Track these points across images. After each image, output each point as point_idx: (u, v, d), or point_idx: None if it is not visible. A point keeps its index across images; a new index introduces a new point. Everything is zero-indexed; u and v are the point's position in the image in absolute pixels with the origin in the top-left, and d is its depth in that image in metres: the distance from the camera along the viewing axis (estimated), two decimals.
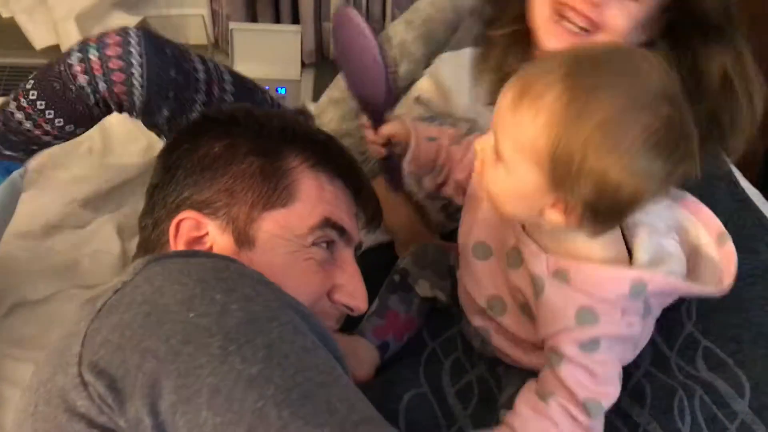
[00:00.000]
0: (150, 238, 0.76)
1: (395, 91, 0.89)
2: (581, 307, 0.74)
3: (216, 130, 0.76)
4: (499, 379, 0.93)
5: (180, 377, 0.51)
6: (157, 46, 1.01)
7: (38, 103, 1.01)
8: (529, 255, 0.78)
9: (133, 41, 0.99)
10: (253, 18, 1.99)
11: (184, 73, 1.02)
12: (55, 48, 1.84)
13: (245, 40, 1.97)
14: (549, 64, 0.70)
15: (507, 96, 0.71)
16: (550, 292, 0.76)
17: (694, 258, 0.82)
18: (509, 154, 0.71)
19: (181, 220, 0.72)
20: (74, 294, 1.05)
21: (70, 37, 1.77)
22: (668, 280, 0.76)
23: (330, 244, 0.76)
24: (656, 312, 0.84)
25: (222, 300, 0.55)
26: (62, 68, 1.00)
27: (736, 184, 1.20)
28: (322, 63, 2.04)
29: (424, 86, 1.17)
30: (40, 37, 1.85)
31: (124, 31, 1.00)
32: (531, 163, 0.69)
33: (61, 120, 1.02)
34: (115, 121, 1.30)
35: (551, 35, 0.96)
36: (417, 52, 1.20)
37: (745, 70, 0.99)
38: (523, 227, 0.80)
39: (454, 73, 1.13)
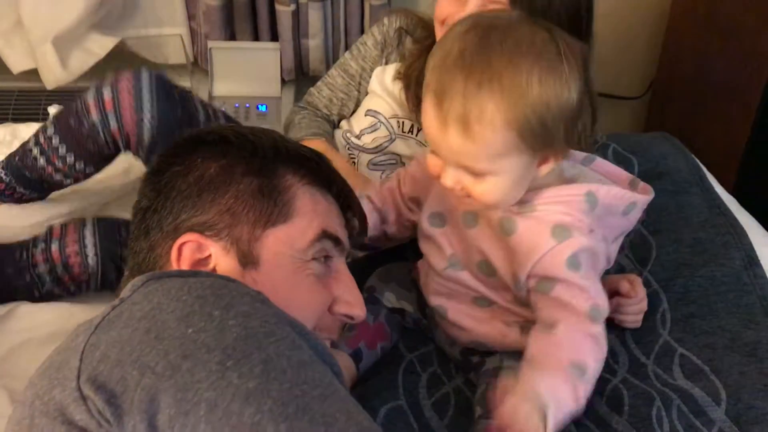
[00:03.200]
0: (145, 261, 0.75)
1: None
2: (554, 225, 0.81)
3: (209, 151, 0.76)
4: (474, 389, 0.93)
5: (178, 392, 0.52)
6: (167, 88, 1.06)
7: (53, 138, 1.07)
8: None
9: (144, 81, 1.04)
10: (231, 36, 1.99)
11: (188, 114, 1.07)
12: (33, 72, 1.83)
13: (224, 58, 1.97)
14: (455, 87, 0.75)
15: (452, 137, 0.76)
16: (522, 225, 0.82)
17: None
18: (487, 166, 0.77)
19: (183, 243, 0.72)
20: None
21: (47, 61, 1.77)
22: (610, 188, 0.85)
23: (327, 258, 0.77)
24: (609, 236, 0.88)
25: (220, 316, 0.56)
26: (79, 105, 1.05)
27: (710, 190, 1.21)
28: (302, 79, 2.04)
29: (369, 102, 1.28)
30: (17, 61, 1.84)
31: (136, 72, 1.06)
32: (514, 154, 0.77)
33: (72, 156, 1.07)
34: None
35: None
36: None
37: None
38: None
39: (386, 85, 1.24)
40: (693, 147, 1.37)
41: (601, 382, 0.93)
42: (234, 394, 0.52)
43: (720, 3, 1.78)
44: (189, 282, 0.59)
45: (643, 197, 0.88)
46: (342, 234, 0.79)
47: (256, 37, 2.00)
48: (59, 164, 1.08)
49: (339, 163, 1.21)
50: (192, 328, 0.55)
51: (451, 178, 0.80)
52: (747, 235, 1.11)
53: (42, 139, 1.08)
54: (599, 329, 0.82)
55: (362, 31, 1.97)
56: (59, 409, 0.55)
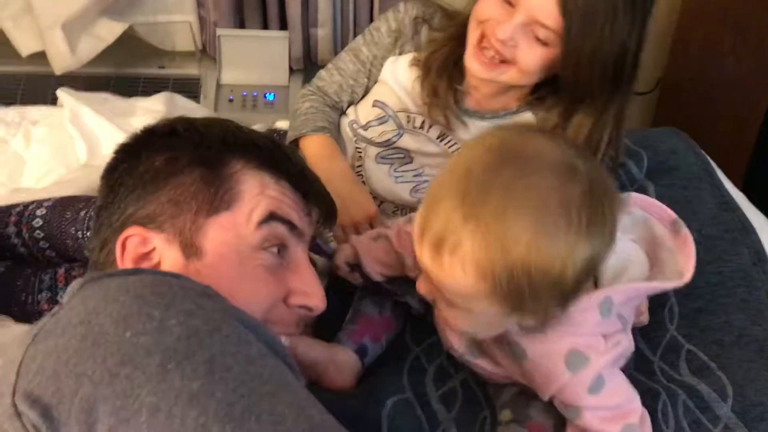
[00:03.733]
0: (98, 260, 0.74)
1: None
2: (567, 352, 0.75)
3: (156, 144, 0.75)
4: (482, 383, 0.92)
5: (117, 399, 0.49)
6: None
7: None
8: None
9: None
10: (240, 24, 1.99)
11: None
12: (41, 54, 1.83)
13: (233, 46, 1.96)
14: (444, 205, 0.68)
15: (425, 253, 0.70)
16: (532, 351, 0.77)
17: (653, 250, 0.83)
18: (459, 301, 0.71)
19: (126, 238, 0.71)
20: None
21: (56, 45, 1.76)
22: (629, 286, 0.77)
23: (281, 249, 0.75)
24: (631, 318, 0.84)
25: (160, 316, 0.53)
26: None
27: (720, 186, 1.20)
28: (310, 69, 2.03)
29: (378, 91, 1.25)
30: (26, 44, 1.84)
31: None
32: (484, 302, 0.69)
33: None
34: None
35: (474, 59, 1.09)
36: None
37: (581, 132, 1.11)
38: None
39: (398, 77, 1.22)
40: (702, 143, 1.36)
41: None
42: (177, 396, 0.49)
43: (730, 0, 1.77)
44: (128, 281, 0.56)
45: (666, 285, 0.79)
46: (298, 219, 0.76)
47: (265, 26, 2.00)
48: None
49: (340, 166, 1.20)
50: (130, 331, 0.52)
51: (424, 285, 0.75)
52: (756, 232, 1.10)
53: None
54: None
55: (371, 21, 1.96)
56: None
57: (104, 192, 0.75)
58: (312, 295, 0.76)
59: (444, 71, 1.16)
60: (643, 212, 0.83)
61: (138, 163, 0.74)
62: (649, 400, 0.89)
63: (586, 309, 0.74)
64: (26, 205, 1.06)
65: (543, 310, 0.70)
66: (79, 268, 1.04)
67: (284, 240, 0.75)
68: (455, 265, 0.67)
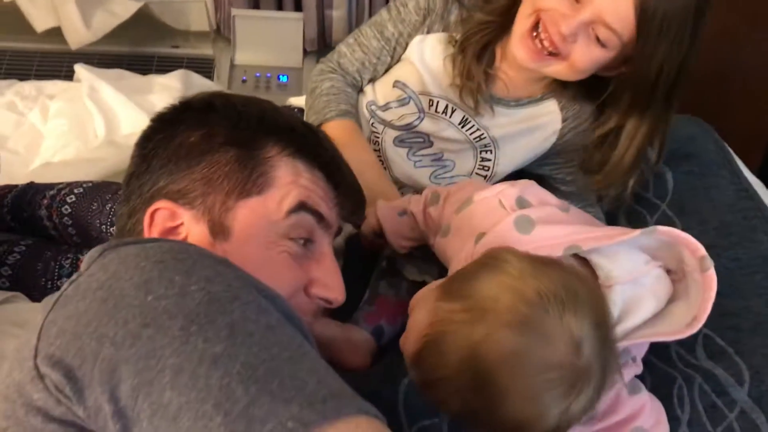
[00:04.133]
0: (125, 227, 0.74)
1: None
2: None
3: (193, 119, 0.74)
4: None
5: (140, 360, 0.49)
6: None
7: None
8: None
9: None
10: (255, 5, 1.98)
11: None
12: (56, 30, 1.83)
13: (247, 26, 1.96)
14: (449, 372, 0.67)
15: (410, 347, 0.72)
16: None
17: (682, 273, 0.80)
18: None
19: (155, 210, 0.71)
20: None
21: (71, 20, 1.76)
22: (623, 344, 0.75)
23: (307, 242, 0.75)
24: (642, 349, 0.83)
25: (181, 282, 0.53)
26: None
27: (738, 173, 1.20)
28: (325, 51, 2.02)
29: (400, 71, 1.21)
30: (40, 19, 1.84)
31: None
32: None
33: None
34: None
35: (523, 46, 1.06)
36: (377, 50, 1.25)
37: (636, 137, 1.11)
38: None
39: (425, 56, 1.18)
40: (718, 131, 1.36)
41: None
42: (200, 358, 0.49)
43: None
44: (147, 248, 0.57)
45: (669, 335, 0.76)
46: (327, 211, 0.76)
47: (279, 7, 1.99)
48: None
49: (370, 157, 1.17)
50: (152, 295, 0.52)
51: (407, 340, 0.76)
52: None
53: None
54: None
55: (387, 2, 1.95)
56: (18, 391, 0.53)
57: (137, 160, 0.75)
58: (333, 288, 0.77)
59: (482, 54, 1.14)
60: (670, 240, 0.79)
61: (173, 136, 0.74)
62: (664, 385, 0.90)
63: None
64: (60, 189, 1.08)
65: None
66: None
67: (312, 230, 0.75)
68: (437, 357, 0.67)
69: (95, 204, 1.05)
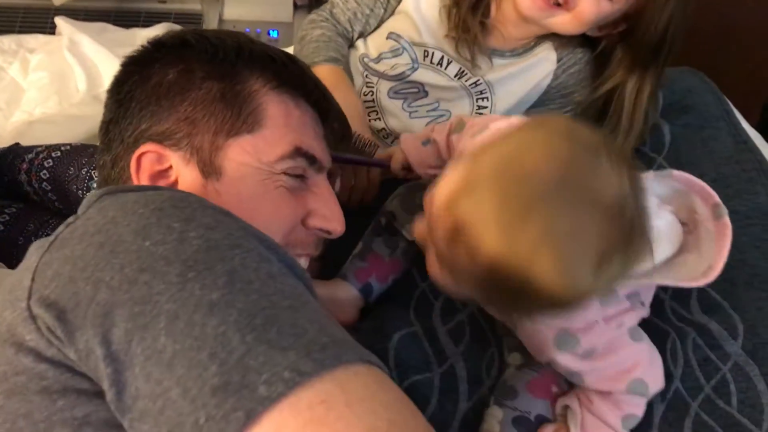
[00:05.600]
0: (110, 176, 0.72)
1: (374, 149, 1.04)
2: (556, 334, 0.74)
3: (167, 56, 0.72)
4: (490, 319, 0.91)
5: (136, 305, 0.48)
6: None
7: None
8: None
9: None
10: None
11: None
12: None
13: None
14: (479, 198, 0.60)
15: (440, 229, 0.64)
16: (521, 329, 0.78)
17: (693, 224, 0.79)
18: (450, 273, 0.67)
19: (142, 154, 0.69)
20: None
21: None
22: (637, 282, 0.73)
23: (301, 177, 0.73)
24: (649, 294, 0.82)
25: (180, 228, 0.52)
26: None
27: (737, 125, 1.18)
28: (315, 4, 1.97)
29: (394, 23, 1.20)
30: None
31: None
32: (472, 288, 0.65)
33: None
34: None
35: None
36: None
37: (640, 96, 1.12)
38: None
39: (420, 5, 1.17)
40: (718, 84, 1.33)
41: None
42: (196, 305, 0.48)
43: None
44: (146, 195, 0.55)
45: (695, 282, 0.73)
46: (318, 149, 0.75)
47: None
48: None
49: (350, 99, 1.15)
50: (149, 240, 0.51)
51: (420, 232, 0.71)
52: None
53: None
54: (647, 397, 0.78)
55: None
56: (9, 331, 0.52)
57: (112, 106, 0.73)
58: (331, 219, 0.75)
59: (477, 5, 1.12)
60: (683, 187, 0.78)
61: (149, 76, 0.71)
62: (658, 341, 0.88)
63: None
64: (38, 153, 1.06)
65: (527, 313, 0.71)
66: None
67: (305, 171, 0.74)
68: (465, 254, 0.61)
69: (71, 168, 1.03)
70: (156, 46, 0.74)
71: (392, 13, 1.21)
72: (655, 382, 0.79)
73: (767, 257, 0.95)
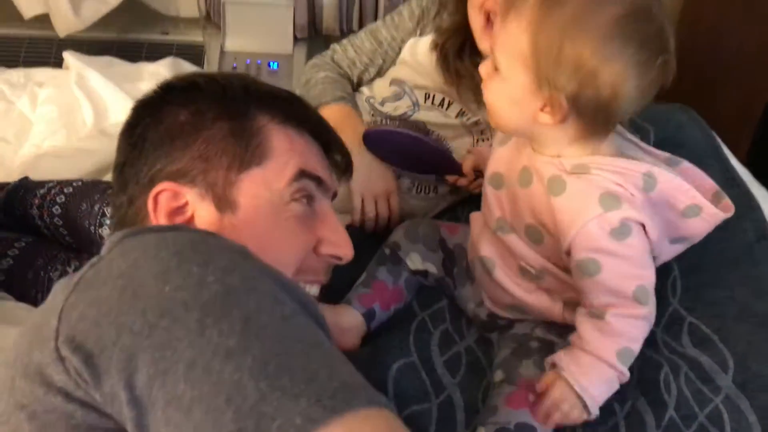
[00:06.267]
0: (126, 215, 0.74)
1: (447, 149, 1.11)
2: (604, 191, 0.78)
3: (178, 99, 0.75)
4: (486, 351, 0.94)
5: (156, 350, 0.50)
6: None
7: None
8: (542, 165, 0.82)
9: None
10: None
11: None
12: (45, 16, 1.81)
13: (238, 13, 1.94)
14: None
15: (499, 14, 0.79)
16: (572, 186, 0.80)
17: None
18: (503, 63, 0.79)
19: (158, 193, 0.71)
20: None
21: (60, 7, 1.75)
22: (675, 179, 0.80)
23: (309, 199, 0.76)
24: (667, 233, 0.85)
25: (198, 273, 0.54)
26: None
27: (725, 161, 1.21)
28: (315, 37, 2.02)
29: (396, 71, 1.26)
30: (29, 6, 1.82)
31: None
32: (519, 66, 0.77)
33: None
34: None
35: (485, 41, 1.10)
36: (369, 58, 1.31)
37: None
38: (533, 149, 0.84)
39: (417, 55, 1.23)
40: (709, 117, 1.37)
41: None
42: (214, 351, 0.50)
43: None
44: (167, 237, 0.57)
45: (710, 207, 0.82)
46: (324, 173, 0.78)
47: None
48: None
49: (360, 130, 1.18)
50: (169, 285, 0.53)
51: (484, 65, 0.82)
52: (760, 208, 1.11)
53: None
54: (648, 309, 0.80)
55: (376, 9, 1.95)
56: (38, 371, 0.53)
57: (126, 149, 0.75)
58: (341, 245, 0.78)
59: (462, 53, 1.16)
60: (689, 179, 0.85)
61: (161, 118, 0.74)
62: (651, 371, 0.91)
63: (632, 168, 0.79)
64: (50, 188, 1.08)
65: (560, 100, 0.75)
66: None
67: (313, 193, 0.77)
68: (515, 20, 0.76)
69: (84, 204, 1.05)
70: (166, 89, 0.77)
71: (393, 63, 1.27)
72: (652, 297, 0.82)
73: (755, 293, 0.97)
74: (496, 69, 0.80)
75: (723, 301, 0.98)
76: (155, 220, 0.71)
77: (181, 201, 0.71)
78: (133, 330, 0.51)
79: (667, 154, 0.86)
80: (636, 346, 0.81)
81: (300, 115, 0.78)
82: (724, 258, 1.03)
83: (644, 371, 0.91)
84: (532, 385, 0.84)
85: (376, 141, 1.10)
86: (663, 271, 1.01)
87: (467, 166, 1.05)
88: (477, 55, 1.17)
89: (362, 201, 1.14)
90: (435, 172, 1.13)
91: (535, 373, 0.85)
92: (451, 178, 1.11)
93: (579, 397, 0.80)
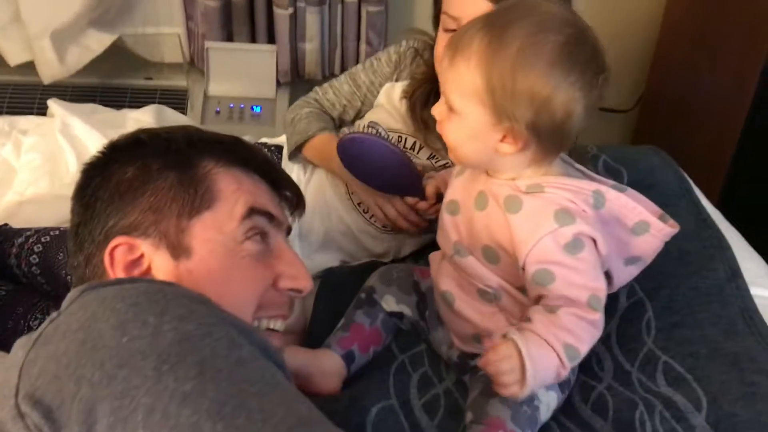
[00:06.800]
0: (84, 275, 0.76)
1: (416, 168, 1.10)
2: (559, 208, 0.82)
3: (123, 156, 0.77)
4: (464, 393, 0.94)
5: (115, 400, 0.52)
6: None
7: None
8: (497, 188, 0.86)
9: None
10: (229, 37, 2.01)
11: None
12: (29, 64, 1.84)
13: (221, 58, 1.98)
14: (470, 24, 0.82)
15: (445, 58, 0.83)
16: (528, 204, 0.84)
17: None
18: (458, 104, 0.82)
19: (114, 248, 0.72)
20: None
21: (45, 55, 1.77)
22: (622, 197, 0.86)
23: (263, 236, 0.78)
24: (619, 252, 0.89)
25: (154, 322, 0.55)
26: None
27: (697, 203, 1.24)
28: (298, 82, 2.06)
29: (373, 115, 1.30)
30: (14, 53, 1.84)
31: None
32: (476, 103, 0.80)
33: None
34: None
35: None
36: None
37: None
38: (488, 174, 0.88)
39: (393, 100, 1.27)
40: (680, 159, 1.40)
41: (587, 389, 0.96)
42: (171, 396, 0.52)
43: (709, 22, 1.82)
44: (124, 290, 0.59)
45: (658, 222, 0.88)
46: (274, 209, 0.80)
47: (253, 39, 2.02)
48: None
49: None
50: (127, 336, 0.54)
51: (437, 108, 0.86)
52: (731, 248, 1.13)
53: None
54: (599, 316, 0.83)
55: (359, 37, 1.99)
56: (0, 428, 0.54)
57: (79, 210, 0.77)
58: (299, 278, 0.80)
59: (429, 103, 1.18)
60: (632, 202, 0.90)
61: (109, 177, 0.75)
62: (627, 409, 0.92)
63: (583, 186, 0.84)
64: (28, 237, 1.09)
65: (519, 129, 0.79)
66: None
67: (266, 229, 0.78)
68: (463, 61, 0.80)
69: (61, 254, 1.06)
70: (111, 149, 0.79)
71: (371, 107, 1.31)
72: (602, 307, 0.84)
73: (726, 333, 0.99)
74: (451, 110, 0.83)
75: (695, 340, 0.99)
76: (113, 274, 0.72)
77: (136, 253, 0.73)
78: (92, 381, 0.52)
79: (612, 181, 0.90)
80: (582, 349, 0.82)
81: (245, 156, 0.81)
82: (696, 298, 1.05)
83: (620, 410, 0.92)
84: (500, 424, 0.85)
85: (348, 146, 1.10)
86: (638, 312, 1.04)
87: (430, 190, 1.07)
88: None
89: (379, 207, 1.17)
90: (398, 191, 1.14)
91: (501, 411, 0.86)
92: (411, 200, 1.13)
93: (522, 365, 0.79)
